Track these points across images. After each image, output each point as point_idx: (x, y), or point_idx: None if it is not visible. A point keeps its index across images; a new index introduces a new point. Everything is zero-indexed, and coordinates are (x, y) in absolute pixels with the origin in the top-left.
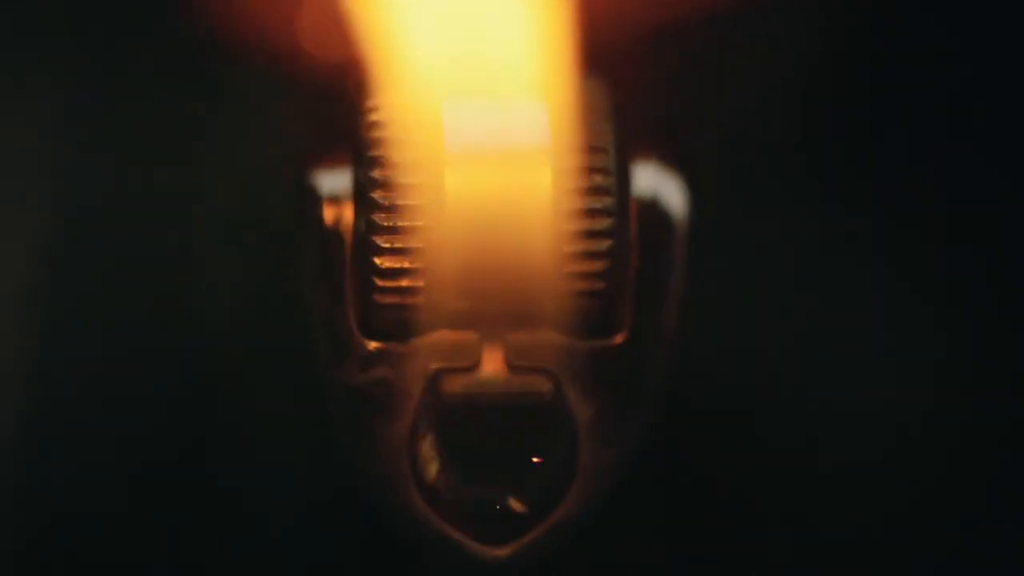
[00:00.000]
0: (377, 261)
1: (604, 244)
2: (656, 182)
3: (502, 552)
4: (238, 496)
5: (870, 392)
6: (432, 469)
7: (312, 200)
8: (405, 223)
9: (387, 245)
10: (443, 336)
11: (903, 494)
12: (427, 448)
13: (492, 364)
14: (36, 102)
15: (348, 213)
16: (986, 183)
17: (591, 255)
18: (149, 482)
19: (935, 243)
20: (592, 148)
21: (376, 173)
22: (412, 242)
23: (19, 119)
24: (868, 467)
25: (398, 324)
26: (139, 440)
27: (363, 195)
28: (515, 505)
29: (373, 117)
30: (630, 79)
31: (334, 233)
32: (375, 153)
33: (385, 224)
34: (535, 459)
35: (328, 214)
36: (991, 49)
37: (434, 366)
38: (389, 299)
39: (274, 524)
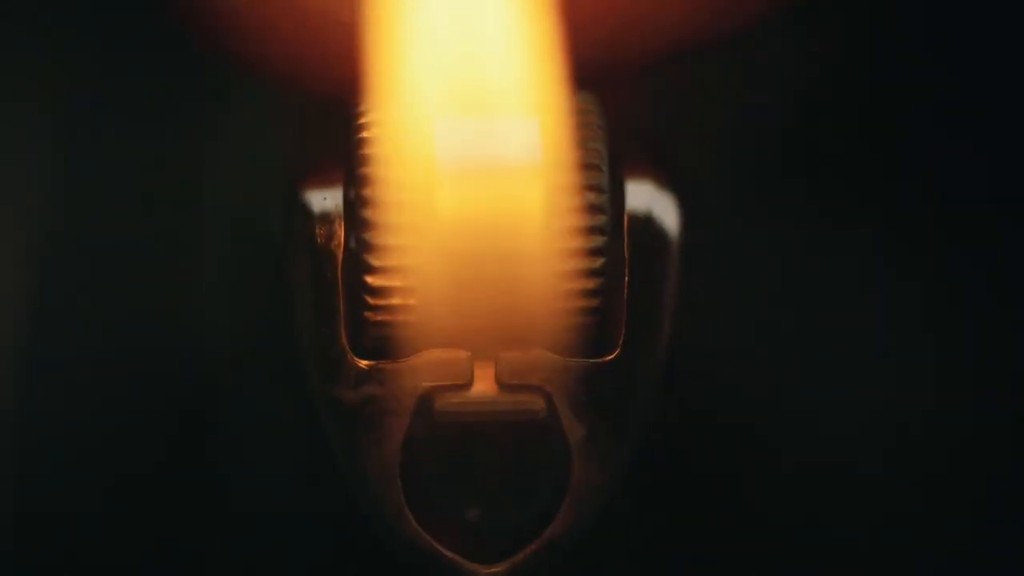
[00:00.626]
0: (368, 279)
1: (597, 262)
2: (649, 199)
3: (495, 570)
4: (229, 512)
5: (867, 410)
6: (424, 487)
7: (303, 218)
8: (396, 241)
9: (378, 263)
10: (434, 354)
11: (903, 495)
12: (419, 466)
13: (484, 382)
14: (33, 107)
15: (339, 231)
16: (984, 184)
17: (584, 273)
18: (142, 488)
19: (933, 245)
20: (585, 166)
21: (367, 191)
22: (403, 260)
23: (16, 124)
24: (867, 472)
25: (389, 342)
26: (127, 455)
27: (354, 213)
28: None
29: (365, 135)
30: (623, 96)
31: (325, 251)
32: (366, 171)
33: (376, 242)
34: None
35: (319, 232)
36: (987, 52)
37: (425, 384)
38: (380, 317)
39: (267, 542)
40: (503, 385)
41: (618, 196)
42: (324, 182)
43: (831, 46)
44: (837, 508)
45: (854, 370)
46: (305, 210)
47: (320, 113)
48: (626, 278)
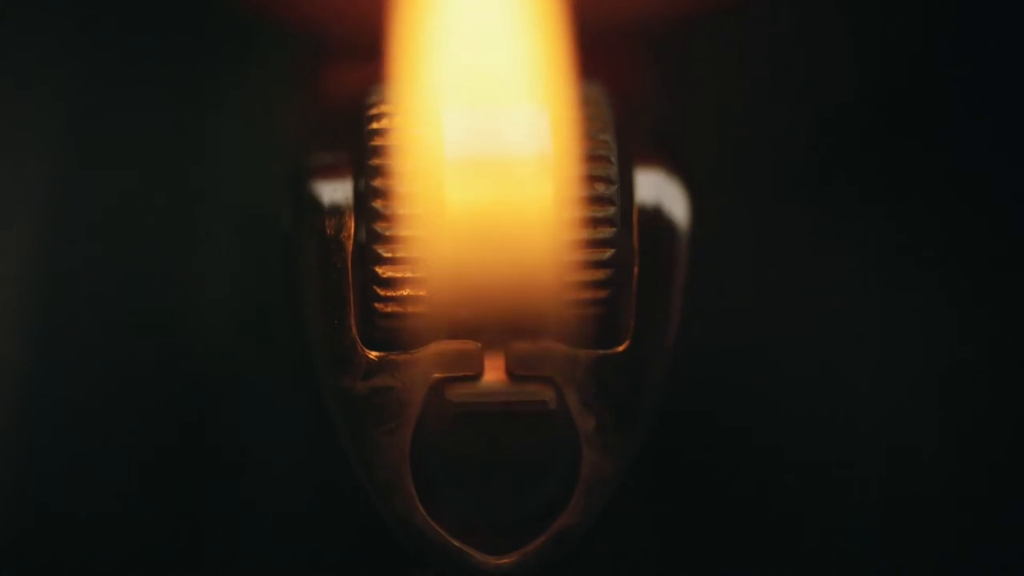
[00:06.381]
0: (378, 270)
1: (606, 253)
2: (658, 191)
3: (505, 561)
4: (240, 503)
5: (873, 397)
6: (434, 478)
7: (313, 209)
8: (406, 232)
9: (388, 254)
10: (444, 345)
11: (904, 495)
12: (429, 457)
13: (494, 373)
14: (35, 101)
15: (349, 222)
16: (987, 187)
17: (593, 264)
18: (146, 487)
19: (940, 248)
20: (594, 157)
21: (377, 182)
22: (413, 251)
23: (18, 120)
24: (870, 475)
25: (399, 333)
26: (137, 444)
27: (364, 204)
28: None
29: (375, 126)
30: (632, 88)
31: (336, 242)
32: (377, 162)
33: (386, 233)
34: None
35: (330, 223)
36: (991, 47)
37: (436, 375)
38: (390, 308)
39: (276, 532)
40: (513, 376)
41: (627, 187)
42: (335, 174)
43: (844, 33)
44: (839, 514)
45: (860, 364)
46: (315, 201)
47: (331, 105)
48: (635, 269)
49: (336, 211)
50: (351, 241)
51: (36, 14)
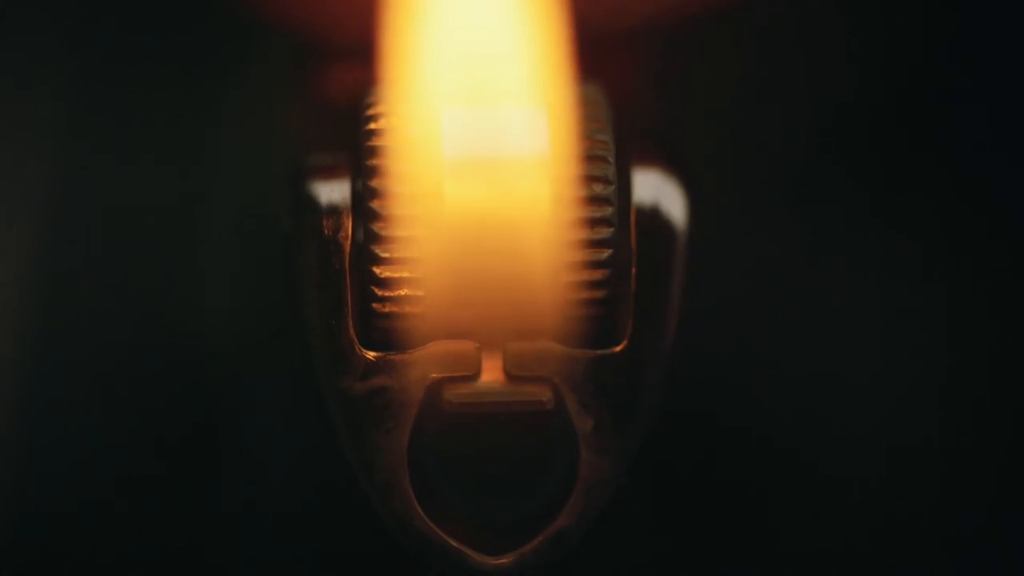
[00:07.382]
0: (376, 271)
1: (604, 253)
2: (656, 191)
3: (503, 561)
4: (238, 504)
5: (871, 400)
6: (432, 478)
7: (311, 209)
8: (404, 233)
9: (386, 255)
10: (442, 345)
11: (904, 497)
12: (427, 457)
13: (491, 373)
14: (36, 101)
15: (347, 222)
16: (987, 187)
17: (591, 264)
18: (146, 487)
19: (940, 248)
20: (592, 157)
21: (375, 183)
22: (411, 252)
23: (18, 120)
24: (870, 475)
25: (397, 333)
26: (135, 446)
27: (362, 205)
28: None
29: (373, 127)
30: (630, 88)
31: (334, 243)
32: (375, 163)
33: (384, 234)
34: None
35: (328, 224)
36: (991, 48)
37: (433, 375)
38: (388, 308)
39: (274, 532)
40: (511, 376)
41: (625, 187)
42: (332, 174)
43: (843, 33)
44: (838, 516)
45: (859, 364)
46: (313, 202)
47: (329, 106)
48: (633, 269)
49: (334, 211)
50: (349, 241)
51: (36, 14)
